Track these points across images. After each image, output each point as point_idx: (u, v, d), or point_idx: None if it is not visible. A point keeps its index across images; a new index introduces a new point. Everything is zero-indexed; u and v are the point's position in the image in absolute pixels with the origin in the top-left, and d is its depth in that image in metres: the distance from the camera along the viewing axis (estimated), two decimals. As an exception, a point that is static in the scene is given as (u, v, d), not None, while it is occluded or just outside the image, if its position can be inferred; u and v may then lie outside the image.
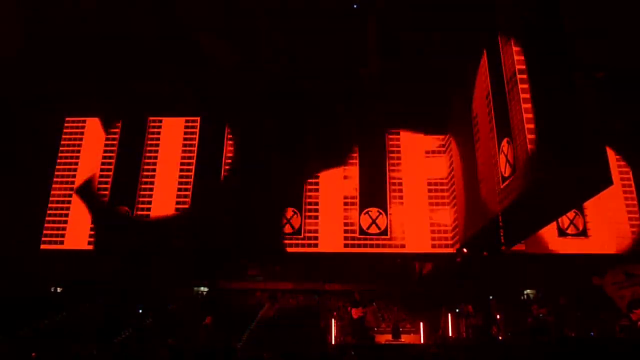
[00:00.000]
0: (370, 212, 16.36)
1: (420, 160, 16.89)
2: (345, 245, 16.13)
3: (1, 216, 16.50)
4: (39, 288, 17.61)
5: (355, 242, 16.15)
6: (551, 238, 14.33)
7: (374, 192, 16.67)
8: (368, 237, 16.11)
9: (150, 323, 15.30)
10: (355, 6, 13.30)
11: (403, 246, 16.03)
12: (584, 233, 14.34)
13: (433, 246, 15.99)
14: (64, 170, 17.31)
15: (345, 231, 16.28)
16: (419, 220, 16.24)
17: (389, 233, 16.13)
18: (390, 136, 17.28)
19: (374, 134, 17.29)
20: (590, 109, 9.30)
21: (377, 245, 16.04)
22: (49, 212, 16.84)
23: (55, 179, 17.21)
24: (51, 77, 15.95)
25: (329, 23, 13.87)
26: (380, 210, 16.35)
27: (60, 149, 17.53)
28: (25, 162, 16.97)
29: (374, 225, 16.21)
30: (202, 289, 19.15)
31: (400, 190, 16.63)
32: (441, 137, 16.97)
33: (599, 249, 14.25)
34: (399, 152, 17.07)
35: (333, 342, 14.91)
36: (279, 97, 16.49)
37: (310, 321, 16.07)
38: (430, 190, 16.49)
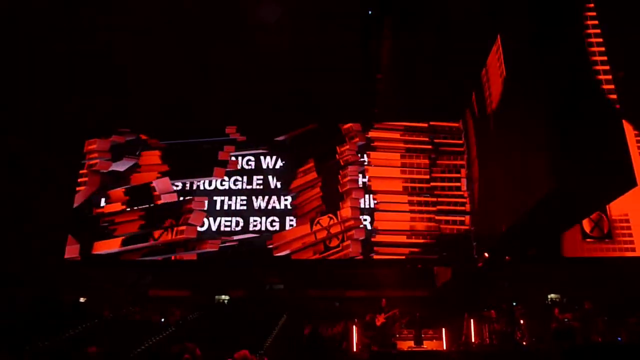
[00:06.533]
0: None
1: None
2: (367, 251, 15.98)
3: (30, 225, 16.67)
4: (61, 297, 17.82)
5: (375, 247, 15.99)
6: (575, 241, 13.98)
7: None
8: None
9: (172, 333, 15.37)
10: (370, 12, 13.22)
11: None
12: (608, 236, 13.96)
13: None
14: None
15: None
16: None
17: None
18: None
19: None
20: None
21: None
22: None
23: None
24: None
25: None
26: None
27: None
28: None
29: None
30: (223, 297, 19.19)
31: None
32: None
33: (625, 252, 13.85)
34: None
35: (355, 349, 14.87)
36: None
37: (331, 328, 15.99)
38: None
